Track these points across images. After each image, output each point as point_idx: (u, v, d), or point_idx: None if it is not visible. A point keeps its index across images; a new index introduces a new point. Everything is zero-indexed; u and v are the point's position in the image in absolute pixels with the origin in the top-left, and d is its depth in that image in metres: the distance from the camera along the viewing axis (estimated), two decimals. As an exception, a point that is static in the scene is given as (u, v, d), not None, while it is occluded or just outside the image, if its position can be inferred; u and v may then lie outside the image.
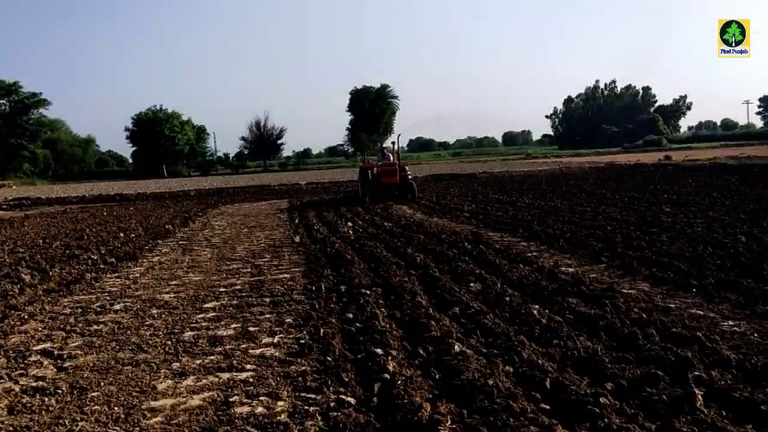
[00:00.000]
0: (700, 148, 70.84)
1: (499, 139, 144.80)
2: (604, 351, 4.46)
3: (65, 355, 5.26)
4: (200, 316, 6.40)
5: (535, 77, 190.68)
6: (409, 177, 20.50)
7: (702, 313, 5.46)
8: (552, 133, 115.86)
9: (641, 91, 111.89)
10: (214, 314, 6.42)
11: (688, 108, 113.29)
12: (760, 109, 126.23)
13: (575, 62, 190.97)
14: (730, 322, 5.11)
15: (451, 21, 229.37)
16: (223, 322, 6.07)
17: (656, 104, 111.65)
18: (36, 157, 78.88)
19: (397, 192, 20.19)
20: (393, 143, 22.79)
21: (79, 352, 5.37)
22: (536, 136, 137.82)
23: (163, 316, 6.49)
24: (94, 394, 4.37)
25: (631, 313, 5.45)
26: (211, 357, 5.02)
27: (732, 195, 15.35)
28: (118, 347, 5.46)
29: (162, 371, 4.74)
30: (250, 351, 5.10)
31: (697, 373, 3.89)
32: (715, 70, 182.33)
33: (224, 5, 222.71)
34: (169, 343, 5.48)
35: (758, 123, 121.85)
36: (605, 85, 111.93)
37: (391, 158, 21.62)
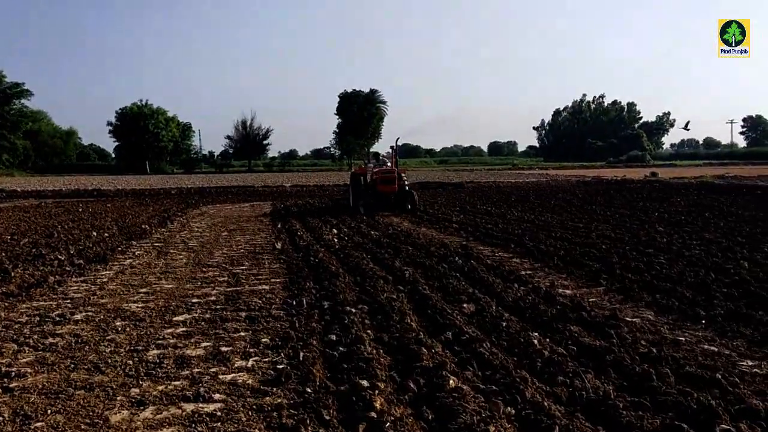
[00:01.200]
0: (684, 165, 71.16)
1: (485, 149, 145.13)
2: (616, 393, 4.00)
3: (13, 373, 4.69)
4: (169, 330, 5.85)
5: (524, 89, 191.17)
6: (407, 186, 18.44)
7: (716, 349, 5.03)
8: (538, 145, 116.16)
9: (626, 107, 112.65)
10: (184, 329, 5.87)
11: (671, 125, 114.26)
12: (744, 129, 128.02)
13: (563, 75, 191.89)
14: (749, 362, 4.68)
15: (441, 29, 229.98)
16: (193, 340, 5.52)
17: (641, 120, 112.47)
18: (16, 148, 77.17)
19: (395, 202, 18.14)
20: (392, 148, 20.13)
21: (29, 369, 4.81)
22: (522, 147, 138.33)
23: (128, 329, 5.93)
24: (38, 424, 3.82)
25: (639, 346, 5.02)
26: (176, 382, 4.47)
27: (725, 216, 15.07)
28: (73, 366, 4.89)
29: (118, 398, 4.19)
30: (221, 376, 4.57)
31: (725, 426, 3.44)
32: (698, 90, 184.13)
33: (213, 2, 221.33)
34: (131, 362, 4.93)
35: (741, 143, 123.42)
36: (593, 98, 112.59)
37: (388, 164, 19.50)
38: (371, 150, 21.21)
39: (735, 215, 15.24)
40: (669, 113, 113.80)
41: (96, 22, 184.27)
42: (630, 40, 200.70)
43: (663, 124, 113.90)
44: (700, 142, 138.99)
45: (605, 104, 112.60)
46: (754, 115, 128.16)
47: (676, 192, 25.17)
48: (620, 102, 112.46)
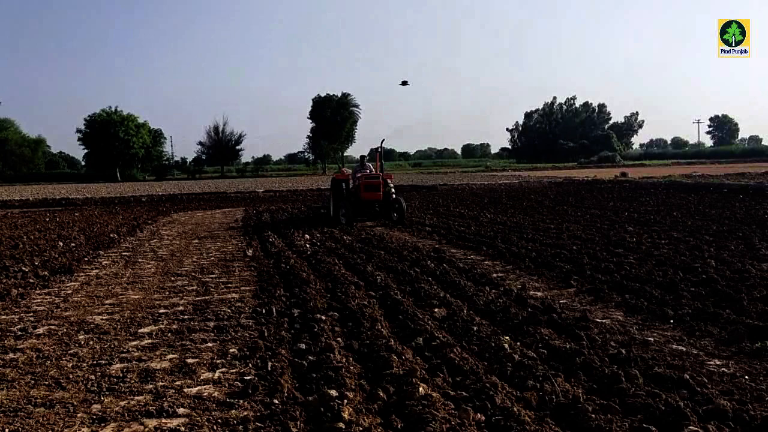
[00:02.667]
0: (653, 165, 72.23)
1: (459, 151, 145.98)
2: (586, 396, 3.99)
3: (-30, 392, 4.53)
4: (133, 343, 5.71)
5: (496, 91, 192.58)
6: (393, 192, 16.60)
7: (684, 349, 5.06)
8: (510, 147, 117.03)
9: (596, 108, 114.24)
10: (149, 341, 5.73)
11: (640, 126, 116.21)
12: (711, 129, 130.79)
13: (535, 78, 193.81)
14: (717, 361, 4.71)
15: (417, 33, 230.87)
16: (158, 352, 5.39)
17: (610, 121, 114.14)
18: (-19, 157, 75.48)
19: (381, 210, 16.46)
20: (376, 150, 17.44)
21: (-14, 387, 4.64)
22: (495, 149, 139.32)
23: (91, 342, 5.77)
24: (-7, 445, 3.68)
25: (609, 347, 5.03)
26: (139, 397, 4.35)
27: (693, 215, 15.30)
28: (33, 382, 4.74)
29: (79, 415, 4.06)
30: (186, 389, 4.45)
31: (693, 428, 3.45)
32: (664, 89, 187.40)
33: (182, 7, 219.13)
34: (93, 377, 4.79)
35: (708, 142, 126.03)
36: (564, 100, 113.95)
37: (372, 169, 17.33)
38: (362, 155, 18.73)
39: (702, 214, 15.49)
40: (637, 114, 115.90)
41: (63, 27, 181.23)
42: (601, 41, 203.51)
43: (632, 124, 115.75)
44: (669, 142, 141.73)
45: (576, 106, 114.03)
46: (720, 115, 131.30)
47: (646, 191, 25.51)
48: (591, 104, 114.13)
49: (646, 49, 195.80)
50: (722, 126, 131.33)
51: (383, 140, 17.24)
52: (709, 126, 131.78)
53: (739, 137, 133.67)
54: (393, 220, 15.95)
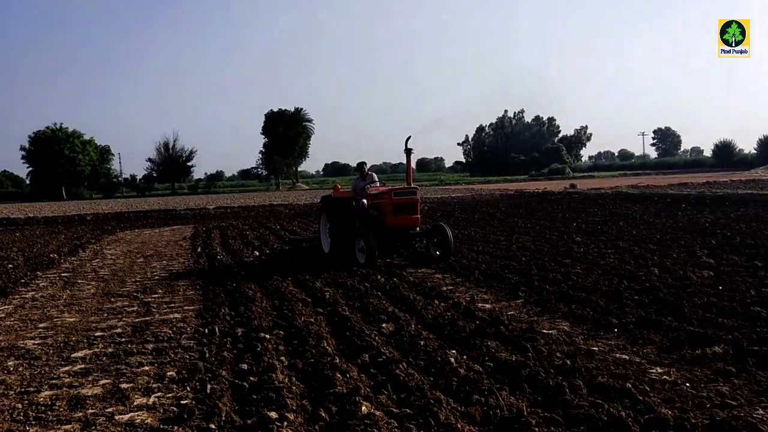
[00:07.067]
0: (601, 177, 74.14)
1: (414, 165, 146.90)
2: (530, 410, 3.94)
3: None
4: (65, 368, 5.43)
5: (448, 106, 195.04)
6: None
7: (627, 357, 5.09)
8: (464, 160, 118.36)
9: (546, 122, 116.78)
10: (82, 366, 5.46)
11: (588, 138, 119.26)
12: (654, 141, 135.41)
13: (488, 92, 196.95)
14: (659, 369, 4.74)
15: (365, 44, 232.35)
16: (91, 377, 5.13)
17: (560, 134, 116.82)
18: None
19: (420, 242, 11.47)
20: (406, 151, 11.43)
21: None
22: (449, 163, 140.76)
23: (21, 368, 5.47)
24: None
25: (555, 358, 5.02)
26: (67, 426, 4.11)
27: (638, 224, 15.65)
28: (-47, 414, 4.43)
29: (-1, 449, 3.80)
30: (117, 417, 4.23)
31: (634, 437, 3.43)
32: (611, 103, 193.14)
33: (130, 18, 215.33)
34: (20, 406, 4.52)
35: (652, 153, 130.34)
36: (514, 114, 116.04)
37: (375, 181, 12.38)
38: (360, 161, 12.74)
39: (647, 223, 15.87)
40: (586, 127, 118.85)
41: (4, 44, 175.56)
42: (544, 54, 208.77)
43: (581, 137, 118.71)
44: (616, 154, 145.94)
45: (525, 120, 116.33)
46: (663, 127, 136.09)
47: (594, 202, 26.06)
48: (541, 117, 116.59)
49: (599, 62, 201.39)
50: (665, 138, 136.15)
51: (409, 137, 11.44)
52: (653, 138, 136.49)
53: (682, 149, 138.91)
54: (434, 257, 10.87)
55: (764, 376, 4.42)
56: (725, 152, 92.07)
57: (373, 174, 12.52)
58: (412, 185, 11.30)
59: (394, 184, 12.88)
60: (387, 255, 11.27)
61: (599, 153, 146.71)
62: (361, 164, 12.64)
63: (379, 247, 10.62)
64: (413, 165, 12.62)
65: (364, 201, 11.50)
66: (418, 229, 11.23)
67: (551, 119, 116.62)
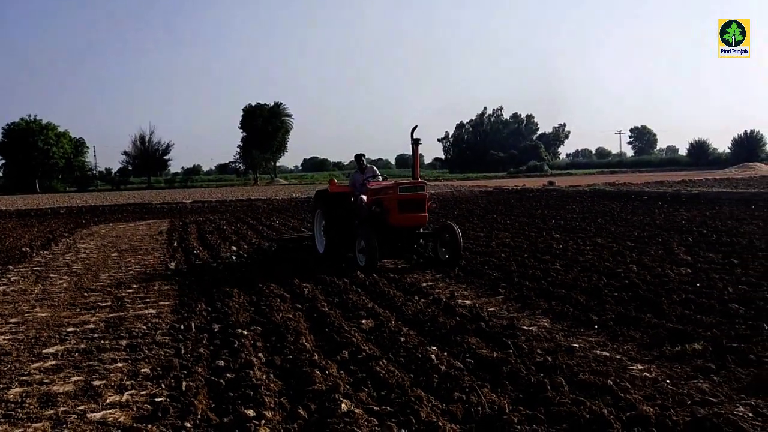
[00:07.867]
0: (579, 174, 74.81)
1: (393, 161, 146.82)
2: (511, 407, 3.90)
3: None
4: (36, 365, 5.27)
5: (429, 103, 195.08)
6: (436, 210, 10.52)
7: (608, 354, 5.07)
8: (443, 157, 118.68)
9: (525, 120, 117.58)
10: (53, 362, 5.30)
11: (567, 136, 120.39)
12: (631, 139, 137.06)
13: (467, 89, 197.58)
14: (639, 366, 4.73)
15: (349, 42, 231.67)
16: (62, 374, 4.99)
17: (538, 132, 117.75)
18: None
19: (426, 243, 10.77)
20: (412, 142, 10.21)
21: None
22: (428, 159, 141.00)
23: (-11, 366, 5.29)
24: None
25: (535, 355, 4.99)
26: (37, 424, 3.98)
27: (616, 221, 15.77)
28: None
29: (-36, 449, 3.66)
30: (89, 415, 4.10)
31: (616, 435, 3.40)
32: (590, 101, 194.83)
33: (105, 9, 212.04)
34: (-13, 404, 4.36)
35: (629, 152, 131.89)
36: (493, 111, 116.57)
37: (377, 174, 11.43)
38: (358, 153, 11.72)
39: (625, 220, 15.99)
40: (564, 125, 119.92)
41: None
42: (525, 52, 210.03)
43: (559, 135, 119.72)
44: (593, 152, 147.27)
45: (504, 117, 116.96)
46: (639, 126, 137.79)
47: (572, 199, 26.24)
48: (520, 114, 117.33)
49: (578, 61, 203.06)
50: (642, 137, 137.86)
51: (415, 127, 10.29)
52: (630, 137, 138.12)
53: (658, 147, 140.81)
54: (442, 259, 10.01)
55: (743, 373, 4.43)
56: (700, 151, 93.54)
57: (374, 167, 11.61)
58: (420, 180, 10.42)
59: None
60: (389, 257, 10.44)
61: (577, 151, 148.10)
62: (360, 156, 11.61)
63: (381, 248, 9.69)
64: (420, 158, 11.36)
65: (363, 197, 10.61)
66: (423, 228, 10.35)
67: (529, 116, 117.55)
